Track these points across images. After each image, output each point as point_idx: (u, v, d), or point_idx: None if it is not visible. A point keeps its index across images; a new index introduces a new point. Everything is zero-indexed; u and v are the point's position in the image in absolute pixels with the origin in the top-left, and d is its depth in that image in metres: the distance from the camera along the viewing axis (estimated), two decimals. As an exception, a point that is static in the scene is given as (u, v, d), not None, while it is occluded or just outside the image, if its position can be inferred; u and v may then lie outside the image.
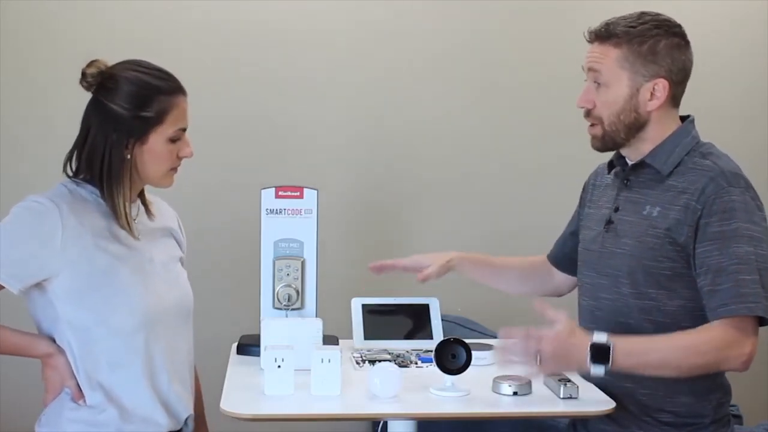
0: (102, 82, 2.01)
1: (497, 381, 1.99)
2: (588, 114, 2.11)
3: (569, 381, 1.98)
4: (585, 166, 2.47)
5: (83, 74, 2.01)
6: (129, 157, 2.01)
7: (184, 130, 2.07)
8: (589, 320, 2.15)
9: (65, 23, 3.11)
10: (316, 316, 2.31)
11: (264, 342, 2.10)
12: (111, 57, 2.08)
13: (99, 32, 3.10)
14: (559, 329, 1.92)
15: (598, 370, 1.91)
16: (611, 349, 1.90)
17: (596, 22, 2.14)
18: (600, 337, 1.91)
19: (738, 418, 2.59)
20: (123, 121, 2.00)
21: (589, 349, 1.90)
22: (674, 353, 1.96)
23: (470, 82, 3.37)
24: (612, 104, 2.07)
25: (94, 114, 2.02)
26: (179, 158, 2.08)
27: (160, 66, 2.08)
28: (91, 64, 2.02)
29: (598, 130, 2.11)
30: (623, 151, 2.16)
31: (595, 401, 1.97)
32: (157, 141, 2.02)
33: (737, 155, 2.13)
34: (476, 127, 3.38)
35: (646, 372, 1.98)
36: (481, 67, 3.37)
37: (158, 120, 2.01)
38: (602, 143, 2.12)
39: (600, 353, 1.90)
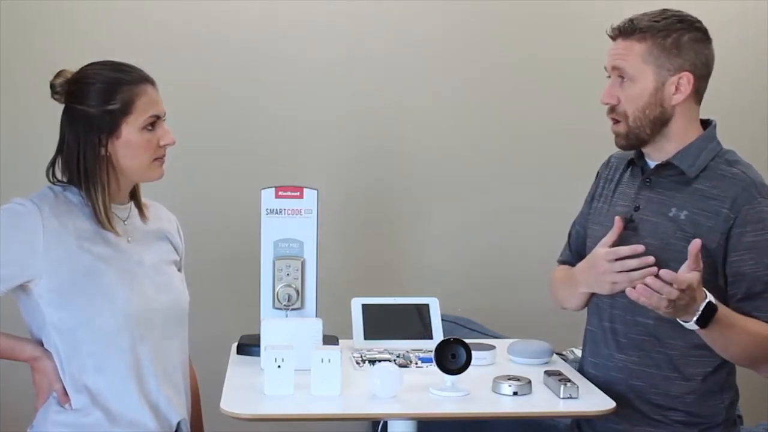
0: (69, 89, 2.03)
1: (497, 381, 1.99)
2: (612, 110, 2.10)
3: (569, 381, 1.98)
4: (585, 166, 2.47)
5: (52, 86, 2.03)
6: (106, 154, 2.02)
7: (159, 117, 2.06)
8: (607, 318, 2.14)
9: (66, 23, 3.11)
10: (316, 316, 2.31)
11: (264, 342, 2.10)
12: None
13: (99, 35, 3.10)
14: (699, 279, 1.88)
15: (692, 326, 1.91)
16: (715, 313, 1.90)
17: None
18: (711, 296, 1.90)
19: (738, 417, 2.59)
20: (92, 119, 2.00)
21: (704, 304, 1.89)
22: (748, 337, 1.97)
23: (471, 82, 3.37)
24: (637, 99, 2.06)
25: (67, 120, 2.04)
26: (161, 147, 2.07)
27: (122, 61, 2.08)
28: (57, 75, 2.04)
29: (622, 128, 2.09)
30: (646, 150, 2.14)
31: (594, 401, 1.97)
32: (130, 132, 2.02)
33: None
34: (477, 127, 3.39)
35: (714, 343, 1.97)
36: (482, 66, 3.37)
37: (125, 110, 2.01)
38: (627, 141, 2.10)
39: (708, 313, 1.89)
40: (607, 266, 2.05)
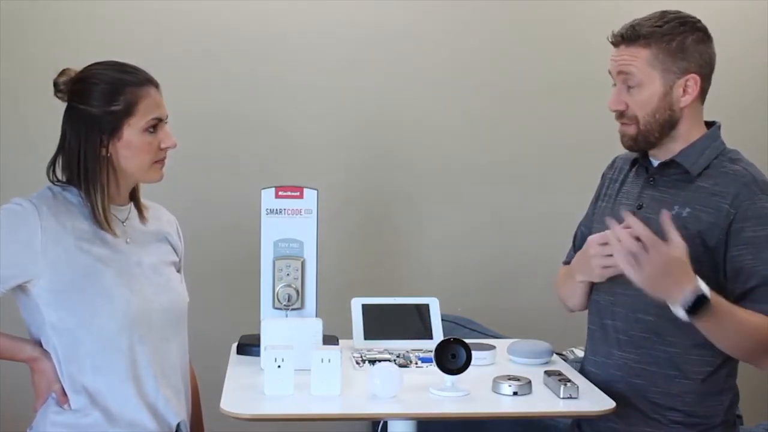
0: (72, 88, 2.03)
1: (497, 381, 1.99)
2: (621, 116, 2.10)
3: (569, 381, 1.98)
4: (587, 167, 2.47)
5: (55, 84, 2.03)
6: (107, 154, 2.02)
7: (161, 120, 2.05)
8: (608, 316, 2.14)
9: (66, 24, 3.11)
10: (316, 316, 2.31)
11: (264, 342, 2.10)
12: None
13: (99, 35, 3.11)
14: (681, 251, 1.88)
15: (681, 314, 1.90)
16: (708, 306, 1.88)
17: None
18: (704, 287, 1.89)
19: (738, 418, 2.59)
20: (94, 119, 2.00)
21: (693, 294, 1.87)
22: (747, 328, 1.96)
23: (469, 82, 3.37)
24: (646, 104, 2.06)
25: (69, 119, 2.04)
26: (162, 150, 2.07)
27: (126, 62, 2.08)
28: (61, 73, 2.04)
29: (632, 129, 2.09)
30: (651, 151, 2.14)
31: (595, 401, 1.97)
32: (131, 134, 2.02)
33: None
34: (475, 127, 3.39)
35: (711, 334, 1.96)
36: (480, 65, 3.37)
37: (128, 112, 2.01)
38: (635, 143, 2.10)
39: (698, 304, 1.88)
40: (597, 249, 2.05)
